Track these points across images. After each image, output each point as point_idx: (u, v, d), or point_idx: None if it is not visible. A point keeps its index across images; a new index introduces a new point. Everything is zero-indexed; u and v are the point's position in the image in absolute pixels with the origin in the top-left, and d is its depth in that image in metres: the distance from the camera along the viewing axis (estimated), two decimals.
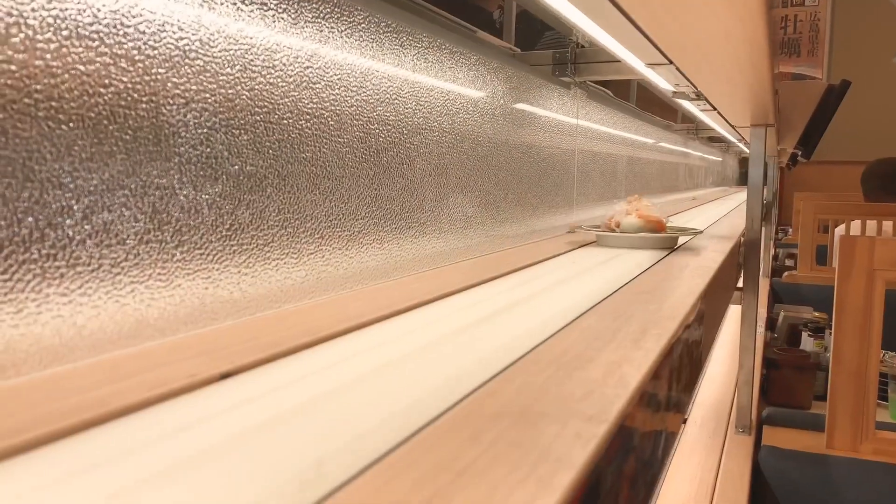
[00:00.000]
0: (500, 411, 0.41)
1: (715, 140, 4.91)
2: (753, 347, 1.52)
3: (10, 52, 0.45)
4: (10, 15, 0.45)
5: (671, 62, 0.79)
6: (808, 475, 1.39)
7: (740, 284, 1.58)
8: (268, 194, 0.67)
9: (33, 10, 0.46)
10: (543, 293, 0.82)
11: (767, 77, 0.77)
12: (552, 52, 1.60)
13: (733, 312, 2.40)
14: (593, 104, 1.87)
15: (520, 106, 1.37)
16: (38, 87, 0.47)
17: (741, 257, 1.58)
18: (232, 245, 0.63)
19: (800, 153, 2.74)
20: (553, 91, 1.57)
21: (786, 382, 2.18)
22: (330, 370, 0.49)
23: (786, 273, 3.76)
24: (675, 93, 1.57)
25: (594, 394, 0.45)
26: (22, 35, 0.45)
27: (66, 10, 0.48)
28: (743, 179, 7.39)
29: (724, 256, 1.15)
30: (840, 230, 3.42)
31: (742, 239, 1.56)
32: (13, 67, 0.45)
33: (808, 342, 2.49)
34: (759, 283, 3.29)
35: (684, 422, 1.61)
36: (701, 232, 1.56)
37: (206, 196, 0.60)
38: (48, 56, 0.47)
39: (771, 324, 2.83)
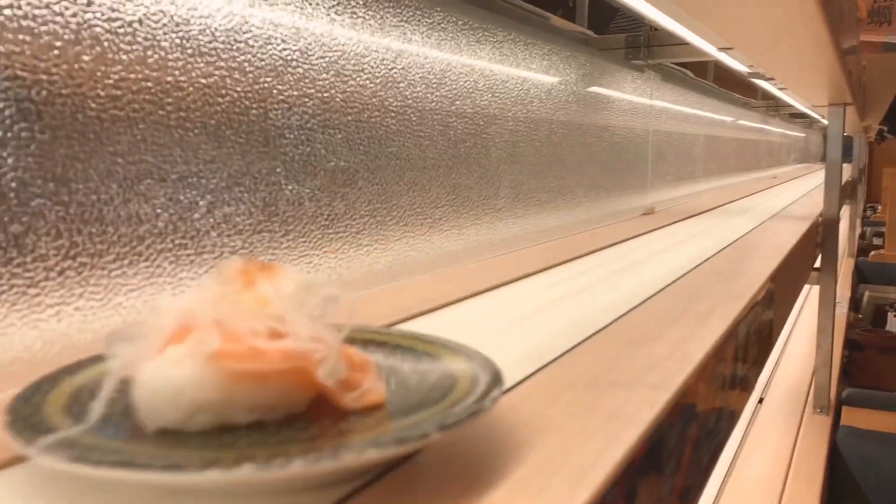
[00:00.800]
0: (574, 380, 0.46)
1: (797, 116, 4.76)
2: (831, 328, 1.52)
3: (147, 72, 0.52)
4: (146, 39, 0.52)
5: (731, 48, 0.82)
6: (887, 455, 1.39)
7: (819, 265, 1.58)
8: (359, 187, 0.74)
9: (164, 33, 0.53)
10: (616, 274, 0.86)
11: (835, 60, 0.79)
12: (625, 36, 1.62)
13: (815, 292, 2.37)
14: (668, 85, 1.88)
15: (592, 90, 1.41)
16: (170, 100, 0.54)
17: (819, 237, 1.57)
18: (329, 233, 0.70)
19: (886, 129, 2.65)
20: (626, 74, 1.59)
21: (869, 364, 2.14)
22: None
23: (872, 252, 3.64)
24: (749, 73, 1.57)
25: (659, 367, 0.49)
26: (156, 56, 0.53)
27: (190, 31, 0.56)
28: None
29: (798, 238, 1.16)
30: None
31: (820, 219, 1.55)
32: (149, 84, 0.53)
33: (894, 323, 2.44)
34: (840, 263, 3.21)
35: (760, 401, 1.62)
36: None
37: (307, 190, 0.67)
38: (177, 73, 0.55)
39: (855, 304, 2.77)
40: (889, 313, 2.47)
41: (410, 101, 0.83)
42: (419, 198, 0.85)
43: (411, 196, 0.83)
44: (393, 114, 0.79)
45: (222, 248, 0.58)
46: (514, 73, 1.08)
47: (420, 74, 0.84)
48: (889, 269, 3.13)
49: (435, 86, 0.87)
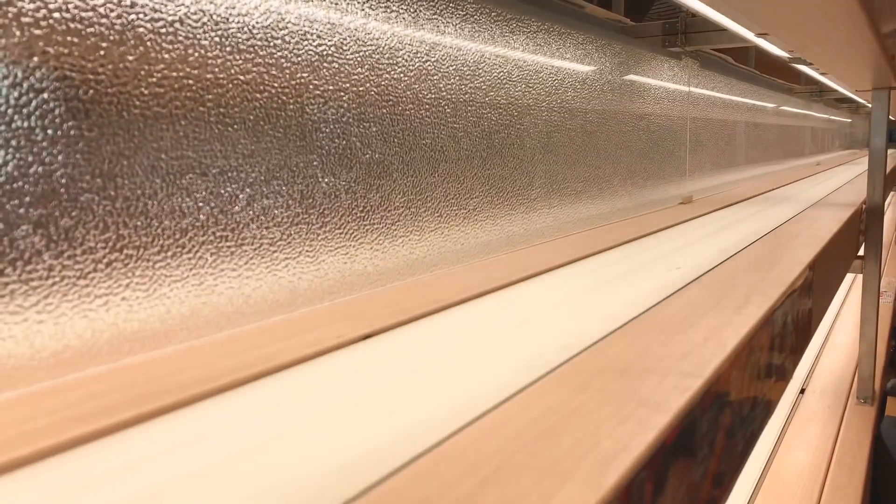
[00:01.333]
0: (606, 366, 0.47)
1: (843, 101, 4.64)
2: (875, 317, 1.49)
3: (188, 69, 0.54)
4: (187, 38, 0.54)
5: (767, 34, 0.81)
6: None
7: (862, 253, 1.55)
8: (394, 178, 0.75)
9: (205, 32, 0.55)
10: (652, 263, 0.86)
11: (874, 42, 0.77)
12: (662, 23, 1.60)
13: (859, 281, 2.32)
14: (706, 72, 1.85)
15: (629, 78, 1.40)
16: (210, 96, 0.56)
17: (863, 225, 1.54)
18: (365, 225, 0.71)
19: None
20: (663, 62, 1.58)
21: None
22: (454, 333, 0.57)
23: None
24: (790, 59, 1.55)
25: (692, 354, 0.50)
26: (196, 54, 0.55)
27: (229, 29, 0.57)
28: None
29: (840, 226, 1.14)
30: None
31: (864, 206, 1.52)
32: (190, 82, 0.54)
33: None
34: (886, 250, 3.12)
35: (802, 392, 1.60)
36: None
37: (343, 182, 0.68)
38: (216, 70, 0.56)
39: None
40: None
41: (444, 94, 0.83)
42: (453, 189, 0.86)
43: (446, 187, 0.84)
44: (427, 106, 0.80)
45: (261, 239, 0.60)
46: (548, 62, 1.08)
47: (454, 66, 0.85)
48: None
49: (469, 77, 0.88)
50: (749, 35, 1.22)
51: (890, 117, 3.72)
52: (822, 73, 1.69)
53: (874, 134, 1.47)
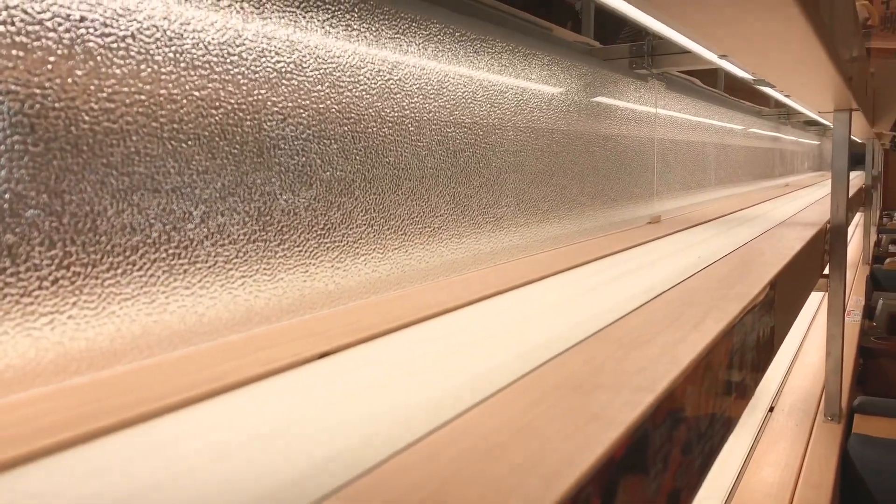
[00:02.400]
0: (560, 382, 0.47)
1: (811, 124, 4.74)
2: (841, 335, 1.51)
3: (140, 85, 0.53)
4: (140, 53, 0.53)
5: (727, 56, 0.82)
6: None
7: (827, 272, 1.57)
8: (356, 196, 0.75)
9: (158, 47, 0.55)
10: (614, 281, 0.86)
11: (831, 66, 0.79)
12: (629, 46, 1.63)
13: (826, 300, 2.35)
14: (672, 94, 1.88)
15: (595, 100, 1.41)
16: (163, 112, 0.55)
17: (827, 245, 1.56)
18: (326, 243, 0.71)
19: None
20: (629, 84, 1.60)
21: (883, 372, 2.12)
22: (412, 350, 0.56)
23: (888, 260, 3.61)
24: (755, 80, 1.57)
25: (647, 370, 0.49)
26: (149, 70, 0.54)
27: (184, 45, 0.57)
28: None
29: (803, 244, 1.16)
30: None
31: (828, 226, 1.55)
32: (143, 97, 0.54)
33: None
34: (853, 270, 3.17)
35: (771, 410, 1.61)
36: None
37: (303, 200, 0.68)
38: (170, 85, 0.56)
39: (870, 312, 2.74)
40: None
41: (408, 112, 0.83)
42: (418, 207, 0.86)
43: (410, 205, 0.84)
44: (390, 124, 0.80)
45: (216, 257, 0.59)
46: (513, 82, 1.08)
47: (417, 85, 0.85)
48: None
49: (433, 96, 0.88)
50: (712, 57, 1.24)
51: (856, 139, 3.80)
52: (786, 96, 1.72)
53: (836, 155, 1.50)
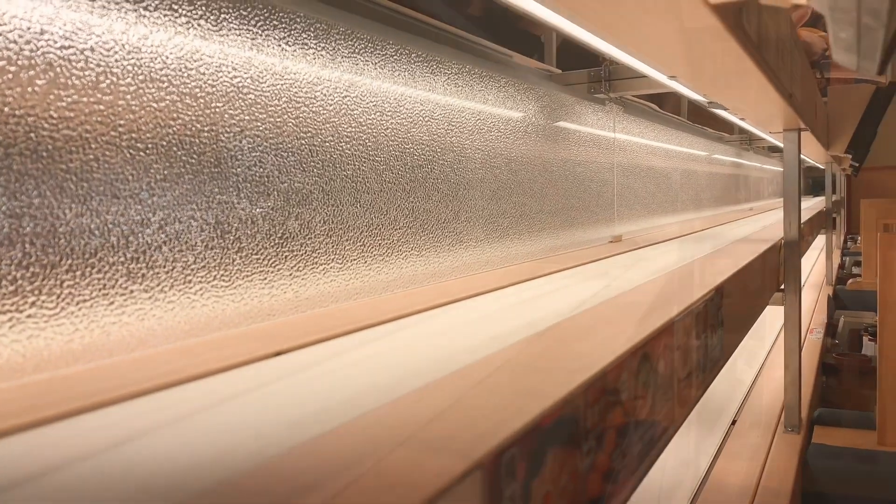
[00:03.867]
0: (502, 366, 0.49)
1: (774, 150, 4.86)
2: (798, 347, 1.55)
3: (99, 96, 0.56)
4: (99, 66, 0.56)
5: (675, 77, 0.86)
6: (857, 472, 1.40)
7: (783, 286, 1.61)
8: (314, 207, 0.77)
9: (116, 60, 0.57)
10: (568, 288, 0.89)
11: (767, 83, 0.83)
12: (587, 71, 1.68)
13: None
14: (630, 118, 1.94)
15: (553, 123, 1.46)
16: (122, 122, 0.58)
17: (782, 261, 1.61)
18: (284, 252, 0.73)
19: (851, 156, 2.73)
20: (587, 107, 1.65)
21: (845, 387, 2.17)
22: (363, 348, 0.58)
23: (850, 280, 3.70)
24: (708, 103, 1.63)
25: (584, 356, 0.52)
26: (108, 81, 0.57)
27: (142, 58, 0.59)
28: (809, 189, 7.23)
29: (753, 256, 1.20)
30: None
31: (782, 242, 1.60)
32: (102, 108, 0.56)
33: (869, 346, 2.47)
34: (818, 291, 3.24)
35: (733, 423, 1.64)
36: None
37: (260, 209, 0.70)
38: (129, 97, 0.58)
39: (832, 330, 2.80)
40: (864, 337, 2.51)
41: (365, 128, 0.87)
42: (376, 220, 0.88)
43: (368, 217, 0.87)
44: (347, 139, 0.83)
45: (174, 262, 0.61)
46: (470, 104, 1.12)
47: (374, 103, 0.88)
48: (865, 296, 3.17)
49: (390, 114, 0.91)
50: (664, 79, 1.29)
51: (818, 165, 3.88)
52: (741, 119, 1.78)
53: (787, 172, 1.55)
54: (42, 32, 0.52)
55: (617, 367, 0.52)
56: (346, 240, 0.83)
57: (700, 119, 3.00)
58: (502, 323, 0.68)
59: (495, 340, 0.59)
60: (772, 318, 2.14)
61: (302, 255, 0.76)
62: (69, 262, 0.54)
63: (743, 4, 0.58)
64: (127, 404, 0.45)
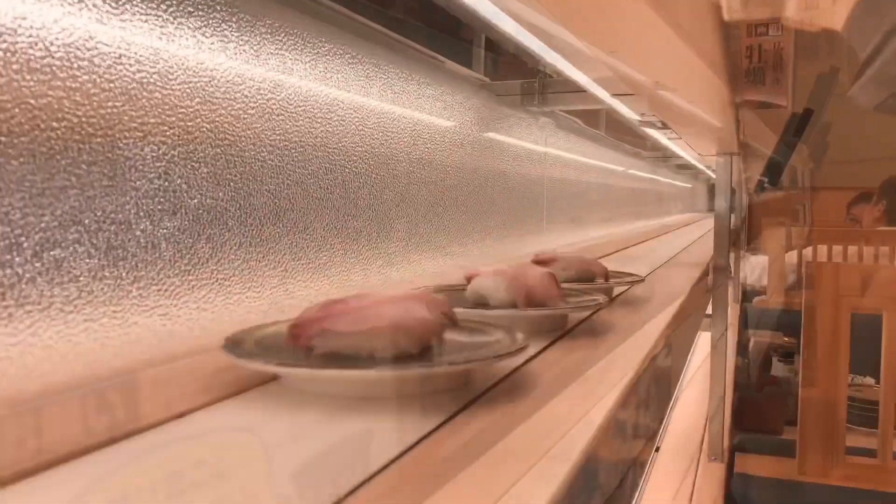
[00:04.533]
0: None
1: (684, 167, 4.98)
2: (724, 375, 1.53)
3: None
4: None
5: (629, 94, 0.80)
6: (778, 501, 1.39)
7: (710, 311, 1.59)
8: (228, 227, 0.66)
9: None
10: None
11: (730, 107, 0.78)
12: (520, 83, 1.62)
13: (705, 339, 2.42)
14: (561, 133, 1.89)
15: (487, 135, 1.38)
16: None
17: (710, 284, 1.60)
18: (190, 280, 0.62)
19: (766, 180, 2.78)
20: (521, 120, 1.58)
21: (757, 408, 2.19)
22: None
23: (756, 298, 3.80)
24: (641, 122, 1.59)
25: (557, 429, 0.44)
26: None
27: (17, 43, 0.47)
28: (713, 206, 7.49)
29: (692, 284, 1.16)
30: (807, 254, 3.46)
31: (711, 265, 1.58)
32: None
33: (778, 367, 2.52)
34: (729, 310, 3.31)
35: (657, 450, 1.61)
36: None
37: (164, 230, 0.58)
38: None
39: (741, 349, 2.85)
40: (773, 358, 2.55)
41: (292, 136, 0.76)
42: (301, 240, 0.78)
43: (291, 238, 0.76)
44: (270, 148, 0.72)
45: (52, 297, 0.49)
46: (406, 112, 1.03)
47: (303, 107, 0.78)
48: (771, 315, 3.25)
49: (320, 120, 0.81)
50: (604, 96, 1.23)
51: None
52: (672, 138, 1.76)
53: (718, 197, 1.53)
54: None
55: (598, 441, 0.44)
56: (265, 264, 0.72)
57: (616, 134, 3.01)
58: None
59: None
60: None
61: (212, 283, 0.64)
62: None
63: (735, 26, 0.51)
64: None
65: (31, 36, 0.48)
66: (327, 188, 0.83)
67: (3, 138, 0.46)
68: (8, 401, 0.47)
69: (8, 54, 0.47)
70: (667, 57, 0.56)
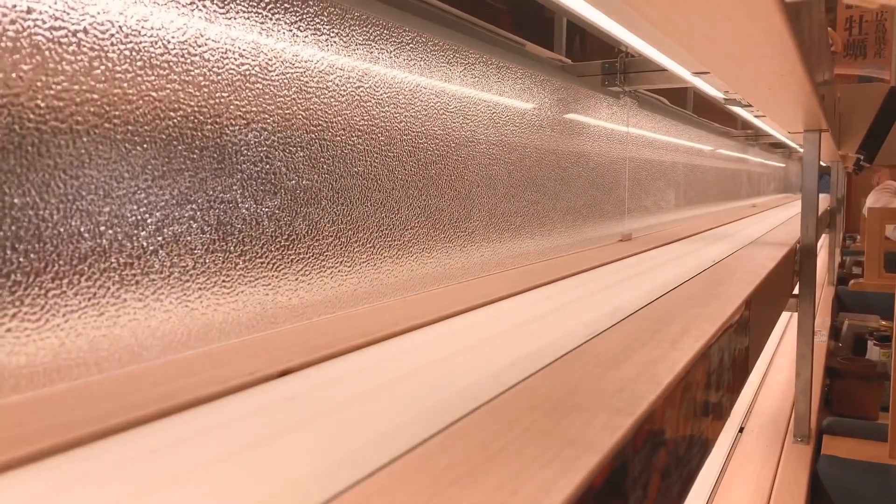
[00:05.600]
0: (535, 404, 0.44)
1: (777, 146, 4.80)
2: (811, 356, 1.50)
3: (93, 83, 0.50)
4: (93, 50, 0.50)
5: (708, 72, 0.81)
6: (868, 485, 1.36)
7: (797, 292, 1.57)
8: (322, 206, 0.72)
9: (112, 44, 0.51)
10: (589, 297, 0.84)
11: (807, 84, 0.78)
12: (601, 63, 1.62)
13: (795, 320, 2.36)
14: (644, 112, 1.88)
15: (568, 116, 1.40)
16: (117, 112, 0.52)
17: (797, 265, 1.57)
18: (290, 254, 0.68)
19: (862, 157, 2.68)
20: (602, 101, 1.59)
21: (850, 392, 2.13)
22: (378, 369, 0.53)
23: (852, 281, 3.66)
24: (726, 100, 1.57)
25: (625, 390, 0.47)
26: (103, 67, 0.51)
27: (141, 42, 0.54)
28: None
29: (775, 264, 1.15)
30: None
31: (798, 246, 1.55)
32: (95, 96, 0.50)
33: (874, 351, 2.43)
34: (819, 291, 3.20)
35: (741, 430, 1.60)
36: None
37: (266, 209, 0.64)
38: (125, 85, 0.52)
39: (836, 333, 2.76)
40: (869, 341, 2.47)
41: (378, 121, 0.81)
42: (387, 219, 0.83)
43: (379, 217, 0.81)
44: (359, 133, 0.77)
45: (171, 267, 0.56)
46: (486, 96, 1.07)
47: (388, 94, 0.83)
48: (868, 298, 3.13)
49: (404, 106, 0.86)
50: (686, 74, 1.23)
51: (822, 163, 3.86)
52: (758, 116, 1.73)
53: (806, 175, 1.50)
54: (29, 11, 0.46)
55: (663, 401, 0.47)
56: (356, 241, 0.77)
57: (706, 113, 2.94)
58: (524, 341, 0.63)
59: (520, 365, 0.54)
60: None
61: (309, 258, 0.70)
62: (55, 268, 0.48)
63: (806, 4, 0.52)
64: (115, 439, 0.40)
65: (152, 35, 0.54)
66: (411, 170, 0.87)
67: (129, 127, 0.53)
68: (135, 355, 0.54)
69: (134, 53, 0.53)
70: (729, 37, 0.58)
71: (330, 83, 0.73)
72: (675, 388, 0.50)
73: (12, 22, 0.46)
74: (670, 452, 0.49)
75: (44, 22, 0.47)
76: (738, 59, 0.68)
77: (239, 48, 0.62)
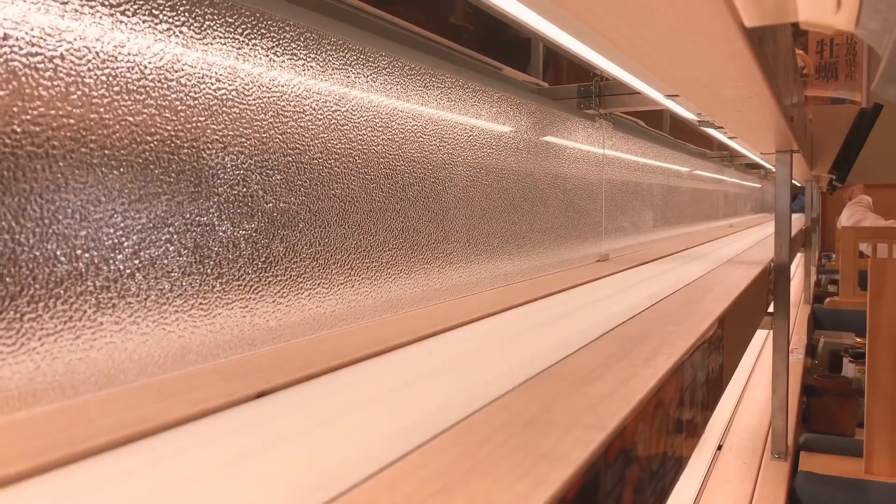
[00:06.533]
0: (508, 421, 0.45)
1: (753, 167, 4.88)
2: (786, 373, 1.52)
3: (69, 108, 0.51)
4: (69, 75, 0.51)
5: (677, 95, 0.83)
6: (845, 500, 1.38)
7: (772, 310, 1.59)
8: (300, 229, 0.72)
9: (89, 69, 0.52)
10: (565, 316, 0.85)
11: (775, 106, 0.80)
12: (577, 86, 1.65)
13: (771, 338, 2.38)
14: (620, 134, 1.91)
15: (545, 139, 1.42)
16: (94, 137, 0.52)
17: (772, 284, 1.59)
18: (267, 277, 0.68)
19: (834, 177, 2.73)
20: (578, 123, 1.61)
21: (827, 410, 2.15)
22: (352, 389, 0.54)
23: (827, 299, 3.70)
24: (699, 122, 1.61)
25: (598, 406, 0.48)
26: (80, 93, 0.51)
27: (118, 68, 0.54)
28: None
29: (749, 282, 1.17)
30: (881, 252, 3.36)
31: (772, 265, 1.57)
32: (72, 121, 0.51)
33: (849, 368, 2.46)
34: (796, 309, 3.24)
35: (719, 448, 1.61)
36: None
37: (243, 231, 0.65)
38: (101, 110, 0.53)
39: (812, 350, 2.79)
40: (844, 358, 2.50)
41: (355, 144, 0.82)
42: (365, 241, 0.84)
43: (357, 239, 0.82)
44: (336, 156, 0.78)
45: (148, 291, 0.56)
46: (463, 119, 1.08)
47: (365, 118, 0.84)
48: (843, 316, 3.17)
49: (381, 129, 0.87)
50: (659, 97, 1.25)
51: (796, 182, 3.93)
52: (731, 137, 1.76)
53: (779, 195, 1.53)
54: (5, 38, 0.47)
55: (636, 416, 0.47)
56: (333, 262, 0.78)
57: (682, 135, 2.99)
58: (499, 359, 0.63)
59: (494, 383, 0.55)
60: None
61: (286, 280, 0.71)
62: (31, 292, 0.49)
63: (769, 28, 0.54)
64: (94, 461, 0.40)
65: (129, 61, 0.55)
66: (388, 192, 0.88)
67: (106, 151, 0.53)
68: (111, 378, 0.54)
69: (111, 78, 0.53)
70: (694, 61, 0.60)
71: (307, 107, 0.74)
72: (648, 404, 0.51)
73: None
74: (643, 468, 0.50)
75: (20, 48, 0.48)
76: (705, 82, 0.70)
77: (215, 73, 0.62)
